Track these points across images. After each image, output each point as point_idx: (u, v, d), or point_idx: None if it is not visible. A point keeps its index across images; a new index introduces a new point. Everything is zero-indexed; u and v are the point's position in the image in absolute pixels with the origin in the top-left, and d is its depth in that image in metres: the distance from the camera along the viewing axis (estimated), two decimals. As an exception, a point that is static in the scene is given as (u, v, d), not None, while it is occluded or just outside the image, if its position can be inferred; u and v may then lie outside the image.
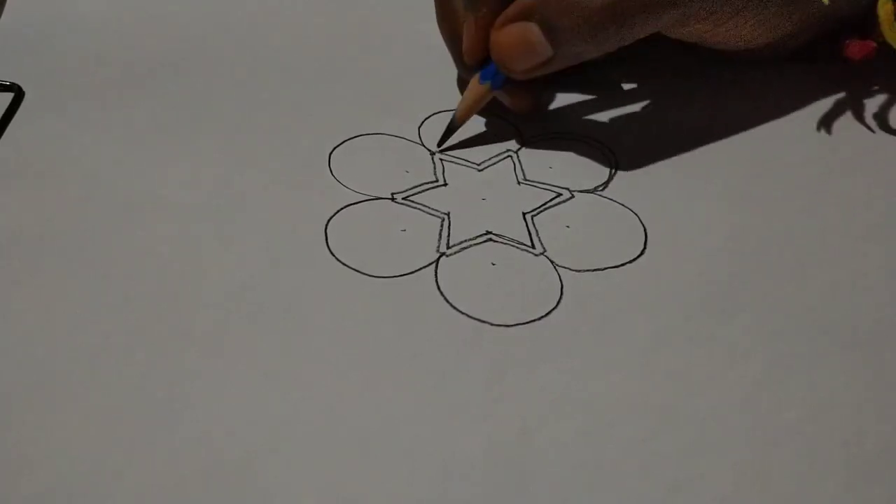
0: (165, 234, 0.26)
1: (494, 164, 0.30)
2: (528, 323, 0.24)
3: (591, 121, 0.32)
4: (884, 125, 0.32)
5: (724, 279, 0.25)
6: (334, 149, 0.30)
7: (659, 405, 0.22)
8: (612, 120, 0.32)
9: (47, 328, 0.23)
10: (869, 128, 0.31)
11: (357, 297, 0.24)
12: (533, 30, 0.26)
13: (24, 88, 0.32)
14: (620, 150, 0.30)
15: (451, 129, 0.30)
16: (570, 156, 0.30)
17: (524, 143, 0.31)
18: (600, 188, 0.29)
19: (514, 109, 0.31)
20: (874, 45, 0.31)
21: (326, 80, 0.33)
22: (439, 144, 0.30)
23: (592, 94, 0.33)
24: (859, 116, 0.32)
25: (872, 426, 0.22)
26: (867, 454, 0.21)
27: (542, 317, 0.24)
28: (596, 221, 0.27)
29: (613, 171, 0.29)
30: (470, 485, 0.20)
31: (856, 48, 0.31)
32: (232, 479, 0.20)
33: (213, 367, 0.22)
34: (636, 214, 0.28)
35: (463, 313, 0.24)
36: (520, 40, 0.27)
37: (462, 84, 0.32)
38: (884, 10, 0.30)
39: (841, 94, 0.33)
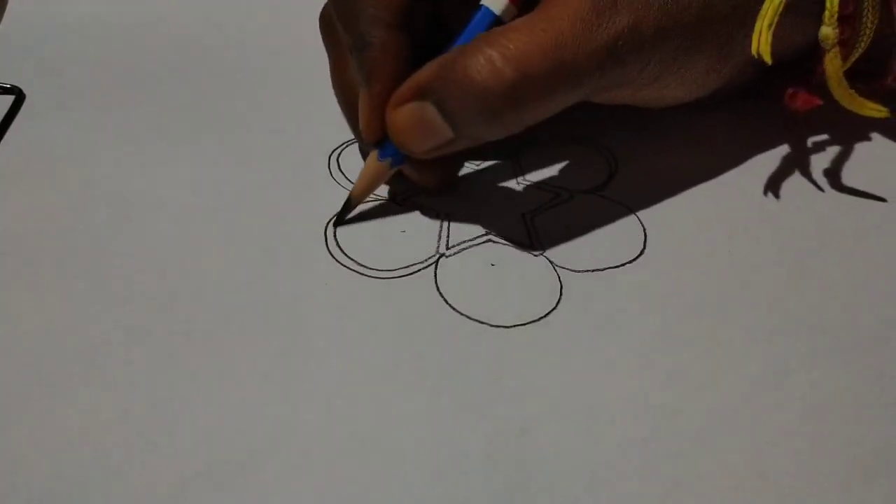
0: (165, 235, 0.26)
1: (494, 164, 0.30)
2: (527, 323, 0.24)
3: (590, 121, 0.32)
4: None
5: (724, 279, 0.25)
6: (334, 149, 0.30)
7: (659, 405, 0.22)
8: (612, 120, 0.32)
9: (47, 328, 0.23)
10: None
11: (357, 297, 0.24)
12: (429, 110, 0.24)
13: (25, 91, 0.32)
14: (620, 151, 0.30)
15: (347, 208, 0.27)
16: (569, 156, 0.30)
17: (524, 143, 0.31)
18: (600, 188, 0.29)
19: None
20: (819, 102, 0.28)
21: (326, 81, 0.33)
22: (335, 223, 0.27)
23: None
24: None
25: (872, 426, 0.22)
26: (867, 454, 0.21)
27: (542, 317, 0.24)
28: (596, 221, 0.27)
29: (613, 171, 0.29)
30: (470, 485, 0.20)
31: (801, 101, 0.28)
32: (232, 479, 0.20)
33: (213, 367, 0.22)
34: (636, 214, 0.28)
35: (462, 314, 0.24)
36: (416, 122, 0.24)
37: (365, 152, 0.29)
38: (832, 65, 0.26)
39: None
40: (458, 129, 0.24)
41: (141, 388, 0.22)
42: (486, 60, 0.23)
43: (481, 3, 0.25)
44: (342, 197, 0.28)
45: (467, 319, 0.24)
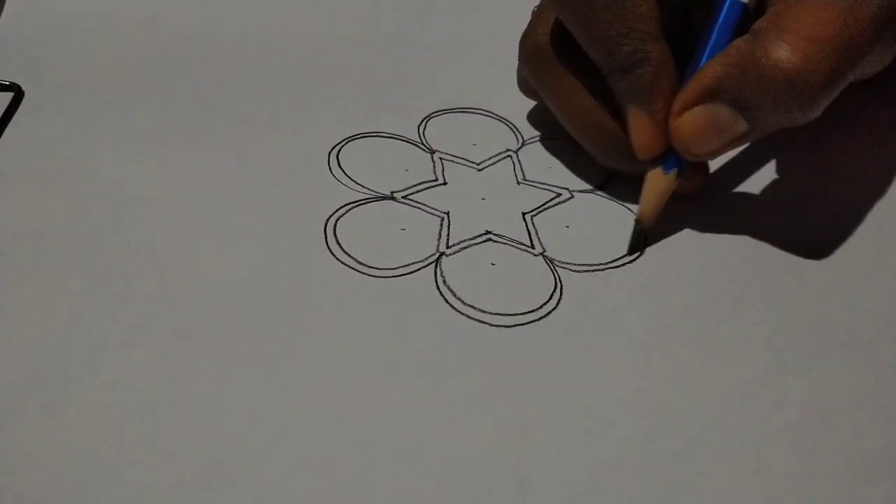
0: (165, 234, 0.26)
1: (494, 163, 0.30)
2: (528, 323, 0.24)
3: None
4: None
5: (724, 279, 0.25)
6: (334, 147, 0.30)
7: (659, 405, 0.22)
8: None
9: (47, 328, 0.23)
10: None
11: (357, 296, 0.24)
12: (721, 111, 0.24)
13: (24, 88, 0.32)
14: (620, 150, 0.30)
15: (639, 233, 0.26)
16: (569, 156, 0.30)
17: (524, 143, 0.31)
18: (600, 188, 0.29)
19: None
20: None
21: (326, 80, 0.33)
22: (630, 251, 0.26)
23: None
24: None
25: (872, 426, 0.22)
26: (867, 454, 0.21)
27: (542, 317, 0.24)
28: (595, 221, 0.27)
29: (613, 171, 0.29)
30: (470, 485, 0.20)
31: None
32: (232, 479, 0.20)
33: (212, 366, 0.22)
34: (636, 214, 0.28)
35: (462, 314, 0.24)
36: (707, 124, 0.24)
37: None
38: None
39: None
40: (756, 123, 0.24)
41: (141, 388, 0.22)
42: (793, 48, 0.22)
43: None
44: (342, 195, 0.28)
45: (467, 319, 0.24)
